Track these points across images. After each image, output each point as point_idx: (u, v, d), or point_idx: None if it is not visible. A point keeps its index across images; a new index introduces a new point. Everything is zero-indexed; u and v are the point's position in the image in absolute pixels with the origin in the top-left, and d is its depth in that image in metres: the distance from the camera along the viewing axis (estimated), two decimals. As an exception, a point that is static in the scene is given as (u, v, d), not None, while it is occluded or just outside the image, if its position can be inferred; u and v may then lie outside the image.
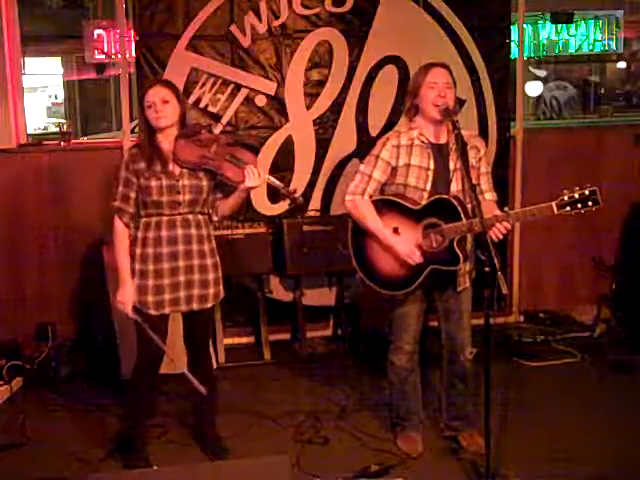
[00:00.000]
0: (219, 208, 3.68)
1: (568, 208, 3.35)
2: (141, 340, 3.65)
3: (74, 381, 4.90)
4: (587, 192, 3.33)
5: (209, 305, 3.68)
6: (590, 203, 3.33)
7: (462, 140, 3.54)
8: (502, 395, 4.14)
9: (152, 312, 3.58)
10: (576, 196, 3.34)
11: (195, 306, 3.63)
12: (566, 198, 3.35)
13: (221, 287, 3.72)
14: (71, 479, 3.71)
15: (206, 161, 3.54)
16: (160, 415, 4.17)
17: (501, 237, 3.48)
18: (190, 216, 3.57)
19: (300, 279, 5.42)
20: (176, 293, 3.58)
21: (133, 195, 3.56)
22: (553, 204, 3.37)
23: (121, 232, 3.59)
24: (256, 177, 3.48)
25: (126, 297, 3.58)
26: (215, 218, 3.69)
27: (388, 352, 3.94)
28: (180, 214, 3.55)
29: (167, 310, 3.61)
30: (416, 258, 3.61)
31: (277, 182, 3.61)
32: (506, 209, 3.57)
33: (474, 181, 3.63)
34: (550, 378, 4.91)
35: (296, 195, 3.57)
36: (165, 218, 3.54)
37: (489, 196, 3.75)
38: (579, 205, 3.34)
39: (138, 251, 3.57)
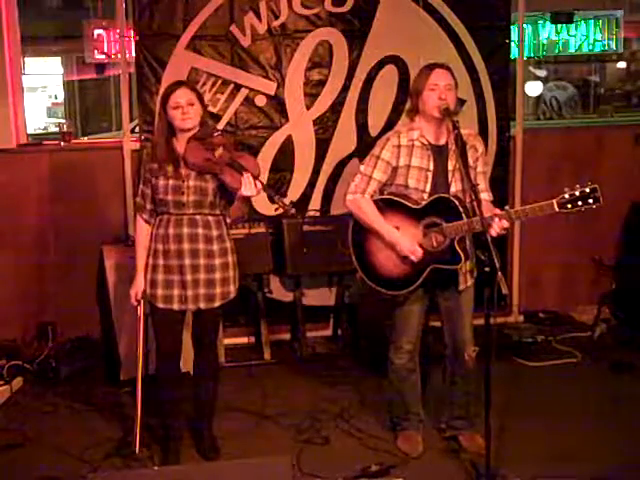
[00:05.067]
0: (230, 211, 3.73)
1: (569, 206, 3.35)
2: (156, 334, 3.78)
3: (74, 381, 4.90)
4: (588, 190, 3.34)
5: (216, 304, 3.71)
6: (591, 200, 3.34)
7: (462, 140, 3.55)
8: (502, 395, 4.13)
9: (160, 305, 3.67)
10: (577, 194, 3.35)
11: (202, 305, 3.68)
12: (567, 196, 3.35)
13: (231, 287, 3.74)
14: (71, 479, 3.71)
15: (210, 164, 3.57)
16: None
17: (500, 233, 3.47)
18: (197, 216, 3.62)
19: (300, 279, 5.42)
20: (184, 291, 3.65)
21: (149, 192, 3.67)
22: (554, 202, 3.38)
23: (140, 227, 3.74)
24: (252, 187, 3.49)
25: (134, 288, 3.74)
26: (228, 220, 3.75)
27: (389, 351, 3.94)
28: (186, 214, 3.61)
29: (175, 306, 3.67)
30: (418, 254, 3.61)
31: (271, 192, 3.60)
32: (507, 207, 3.57)
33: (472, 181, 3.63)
34: (550, 378, 4.91)
35: (288, 207, 3.55)
36: (173, 217, 3.62)
37: (485, 196, 3.74)
38: (580, 203, 3.34)
39: (152, 246, 3.68)
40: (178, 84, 3.68)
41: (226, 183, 3.57)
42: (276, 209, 3.59)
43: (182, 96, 3.57)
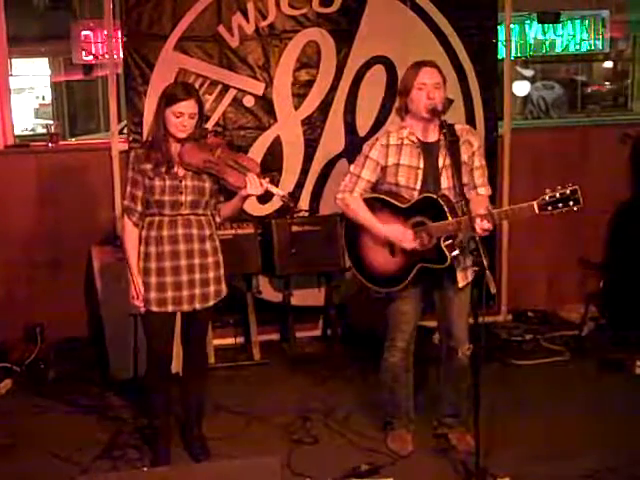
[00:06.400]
0: (221, 210, 3.73)
1: (549, 208, 3.35)
2: (148, 336, 3.74)
3: (63, 383, 4.87)
4: (568, 192, 3.32)
5: (210, 303, 3.71)
6: (571, 203, 3.32)
7: (452, 137, 3.56)
8: (491, 394, 4.14)
9: (154, 309, 3.64)
10: (557, 195, 3.34)
11: (197, 305, 3.68)
12: (547, 198, 3.35)
13: (223, 285, 3.75)
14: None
15: (210, 165, 3.57)
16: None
17: (482, 234, 3.45)
18: (192, 217, 3.62)
19: (289, 279, 5.42)
20: (179, 292, 3.63)
21: (140, 194, 3.62)
22: (534, 204, 3.37)
23: (130, 231, 3.67)
24: (257, 185, 3.53)
25: (134, 288, 3.65)
26: (218, 220, 3.75)
27: (383, 349, 3.94)
28: (181, 215, 3.60)
29: (170, 308, 3.65)
30: (410, 239, 3.61)
31: (277, 190, 3.65)
32: (489, 208, 3.58)
33: (465, 177, 3.64)
34: (538, 376, 4.93)
35: (294, 205, 3.59)
36: (167, 218, 3.60)
37: (482, 191, 3.75)
38: (560, 205, 3.33)
39: (142, 249, 3.64)
40: (188, 94, 3.55)
41: (229, 183, 3.58)
42: (283, 205, 3.61)
43: (187, 108, 3.53)
